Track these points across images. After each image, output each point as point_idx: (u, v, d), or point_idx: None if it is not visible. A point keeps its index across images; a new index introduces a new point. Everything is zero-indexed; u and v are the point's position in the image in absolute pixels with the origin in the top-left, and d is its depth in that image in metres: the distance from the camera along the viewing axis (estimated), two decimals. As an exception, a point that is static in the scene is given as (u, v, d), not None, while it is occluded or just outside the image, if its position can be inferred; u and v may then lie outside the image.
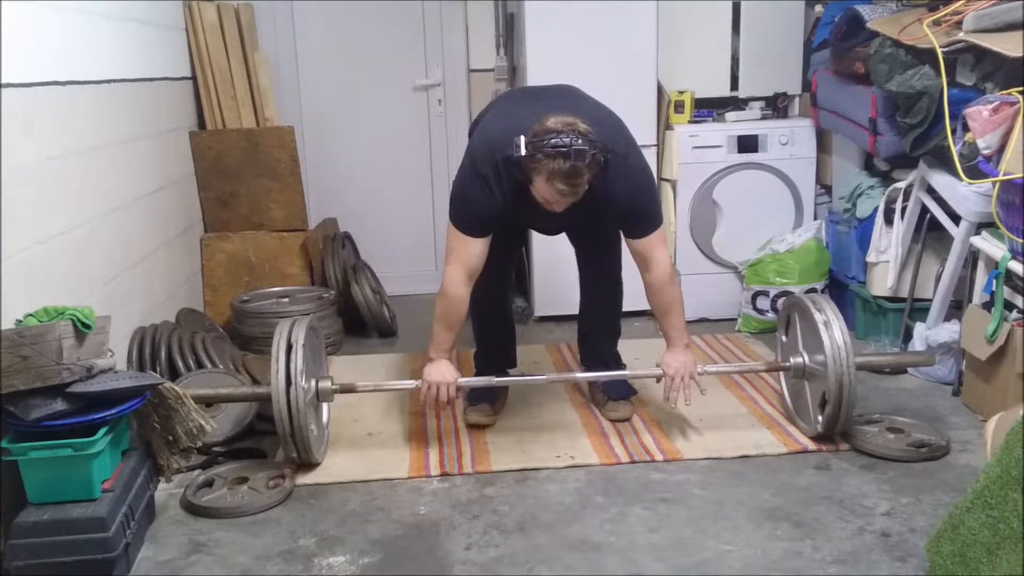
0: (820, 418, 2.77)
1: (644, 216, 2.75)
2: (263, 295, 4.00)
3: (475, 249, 2.70)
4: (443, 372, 2.74)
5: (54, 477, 2.14)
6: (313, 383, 2.75)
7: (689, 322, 4.10)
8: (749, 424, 3.01)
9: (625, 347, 3.27)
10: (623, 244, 3.06)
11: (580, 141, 2.44)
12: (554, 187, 2.48)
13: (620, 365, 3.20)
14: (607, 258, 3.07)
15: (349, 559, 2.26)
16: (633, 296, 3.28)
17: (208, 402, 2.80)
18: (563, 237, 3.13)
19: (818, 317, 2.75)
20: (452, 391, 2.75)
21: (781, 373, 3.07)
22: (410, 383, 2.90)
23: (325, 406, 2.96)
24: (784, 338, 3.07)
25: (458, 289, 2.72)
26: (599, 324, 3.20)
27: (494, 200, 2.65)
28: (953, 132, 2.94)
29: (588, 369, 3.23)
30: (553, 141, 2.44)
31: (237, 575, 2.21)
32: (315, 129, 4.66)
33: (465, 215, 2.71)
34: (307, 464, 2.73)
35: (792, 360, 2.91)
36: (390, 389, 3.09)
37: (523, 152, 2.49)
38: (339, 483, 2.67)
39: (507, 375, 3.22)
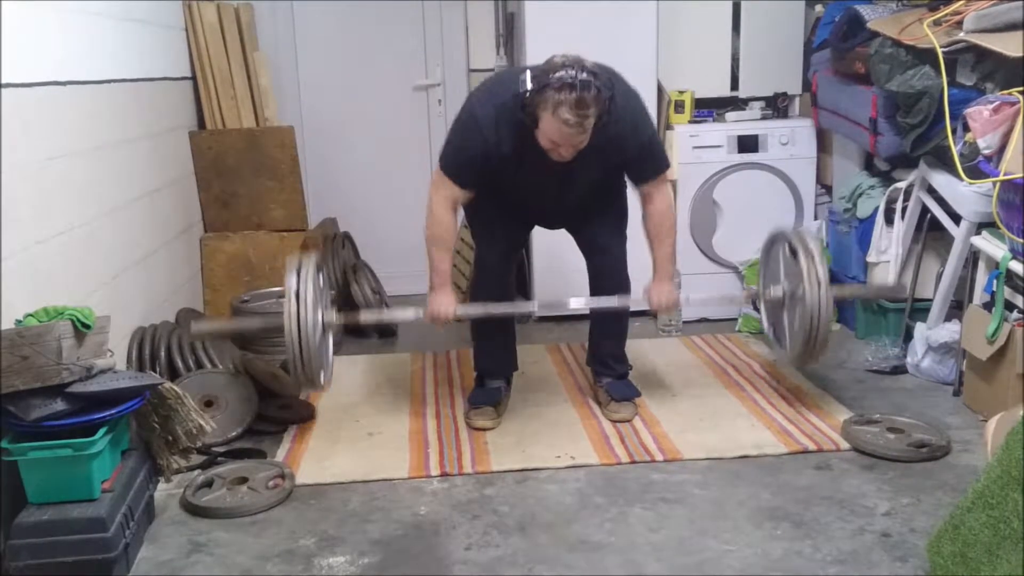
0: (798, 345, 2.91)
1: (649, 154, 2.81)
2: (263, 295, 3.99)
3: (457, 193, 2.77)
4: (444, 302, 2.84)
5: (54, 477, 2.14)
6: (319, 311, 2.80)
7: (689, 322, 4.16)
8: (749, 424, 3.01)
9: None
10: (627, 244, 3.06)
11: (585, 75, 2.48)
12: (561, 120, 2.49)
13: (625, 365, 3.20)
14: (608, 252, 3.04)
15: (349, 559, 2.26)
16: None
17: (221, 336, 2.96)
18: (563, 235, 3.13)
19: (799, 247, 2.86)
20: (451, 318, 2.88)
21: (761, 301, 3.24)
22: (411, 314, 2.97)
23: (330, 338, 2.98)
24: (766, 268, 3.20)
25: (445, 213, 2.79)
26: (604, 323, 3.18)
27: (487, 142, 2.68)
28: (953, 132, 2.94)
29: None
30: (559, 74, 2.48)
31: (237, 575, 2.22)
32: (315, 129, 4.65)
33: (453, 158, 2.77)
34: (310, 385, 2.81)
35: (772, 290, 3.07)
36: (391, 321, 3.36)
37: (529, 86, 2.53)
38: (339, 483, 2.67)
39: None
